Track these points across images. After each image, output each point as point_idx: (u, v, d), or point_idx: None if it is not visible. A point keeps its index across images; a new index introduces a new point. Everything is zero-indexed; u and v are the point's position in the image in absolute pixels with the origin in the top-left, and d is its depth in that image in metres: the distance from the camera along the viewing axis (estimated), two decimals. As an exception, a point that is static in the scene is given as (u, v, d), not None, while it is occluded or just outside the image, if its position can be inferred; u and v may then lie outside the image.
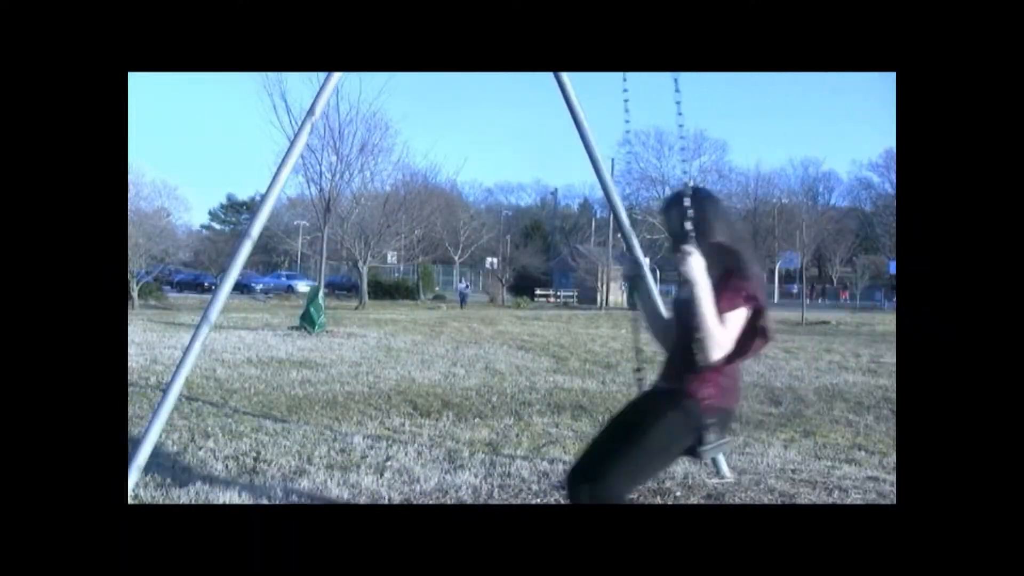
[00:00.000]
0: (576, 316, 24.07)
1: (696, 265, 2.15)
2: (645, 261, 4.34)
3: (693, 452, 2.23)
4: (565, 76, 3.69)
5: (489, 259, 42.31)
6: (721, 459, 4.06)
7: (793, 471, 4.23)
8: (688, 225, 2.23)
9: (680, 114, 2.56)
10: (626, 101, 2.67)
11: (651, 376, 2.45)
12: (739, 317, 2.17)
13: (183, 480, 3.72)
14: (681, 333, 2.29)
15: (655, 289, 4.23)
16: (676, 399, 2.22)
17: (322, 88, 3.40)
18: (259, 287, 36.82)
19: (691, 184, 2.32)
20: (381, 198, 28.41)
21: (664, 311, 2.72)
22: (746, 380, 8.24)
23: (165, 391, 3.24)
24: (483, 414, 5.79)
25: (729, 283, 2.19)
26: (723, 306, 2.15)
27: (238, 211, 60.71)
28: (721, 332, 2.14)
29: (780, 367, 9.54)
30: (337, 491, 3.62)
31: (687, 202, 2.26)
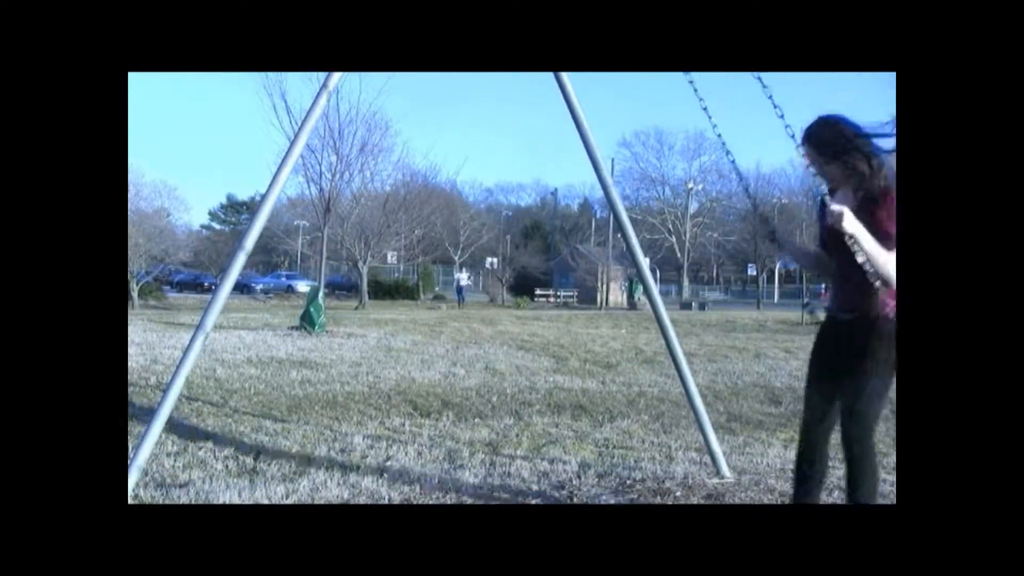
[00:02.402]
0: (576, 316, 24.07)
1: (849, 221, 2.25)
2: (645, 261, 4.34)
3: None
4: (565, 76, 3.69)
5: (489, 259, 42.28)
6: (721, 459, 4.06)
7: (793, 471, 4.22)
8: (816, 174, 2.39)
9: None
10: (701, 101, 2.81)
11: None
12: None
13: (183, 480, 3.72)
14: (844, 265, 2.39)
15: (655, 288, 4.22)
16: (869, 324, 2.34)
17: (322, 88, 3.40)
18: (259, 287, 36.81)
19: (814, 122, 2.41)
20: (381, 198, 28.39)
21: (810, 247, 2.80)
22: (746, 380, 8.24)
23: (165, 391, 3.24)
24: (483, 414, 5.78)
25: (881, 208, 2.29)
26: (886, 234, 2.26)
27: (238, 211, 60.73)
28: (890, 258, 2.25)
29: (780, 367, 9.54)
30: (337, 491, 3.62)
31: (803, 150, 2.39)
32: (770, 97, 2.75)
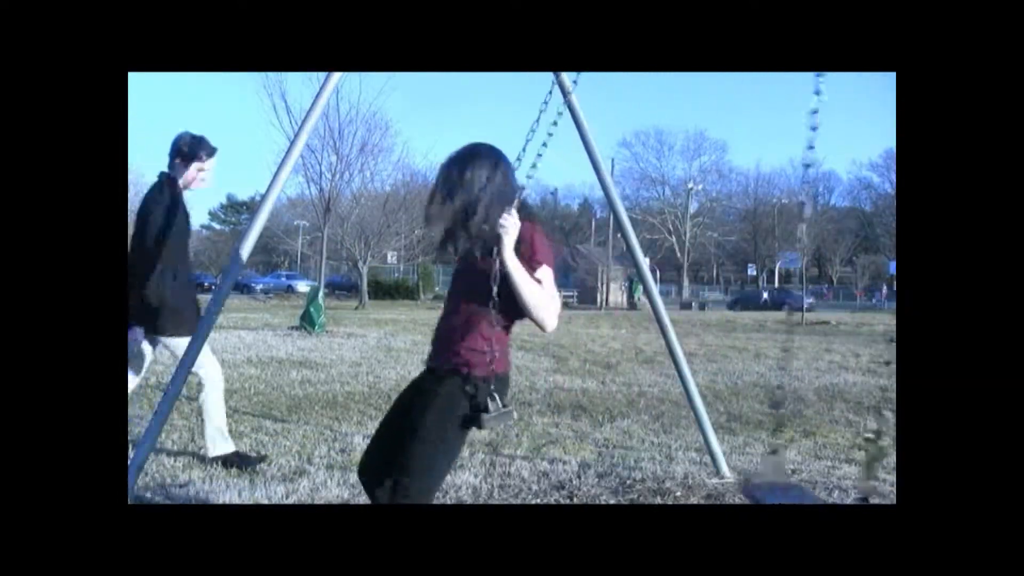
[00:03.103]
0: (576, 316, 24.06)
1: (515, 236, 2.05)
2: (645, 261, 4.34)
3: (476, 422, 2.13)
4: (565, 76, 3.69)
5: (489, 259, 42.21)
6: (721, 459, 4.06)
7: (793, 471, 4.23)
8: (509, 183, 2.14)
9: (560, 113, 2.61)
10: (560, 104, 2.65)
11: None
12: (550, 275, 2.10)
13: (183, 480, 3.72)
14: (460, 299, 2.18)
15: (655, 288, 4.22)
16: (447, 373, 2.13)
17: (322, 88, 3.40)
18: (259, 287, 36.83)
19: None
20: (381, 198, 28.38)
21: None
22: (746, 380, 8.24)
23: (165, 391, 3.24)
24: (483, 414, 5.78)
25: (536, 239, 2.11)
26: (537, 264, 2.07)
27: (238, 211, 60.78)
28: (546, 296, 2.05)
29: (780, 367, 9.54)
30: (337, 491, 3.61)
31: (495, 161, 2.19)
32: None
